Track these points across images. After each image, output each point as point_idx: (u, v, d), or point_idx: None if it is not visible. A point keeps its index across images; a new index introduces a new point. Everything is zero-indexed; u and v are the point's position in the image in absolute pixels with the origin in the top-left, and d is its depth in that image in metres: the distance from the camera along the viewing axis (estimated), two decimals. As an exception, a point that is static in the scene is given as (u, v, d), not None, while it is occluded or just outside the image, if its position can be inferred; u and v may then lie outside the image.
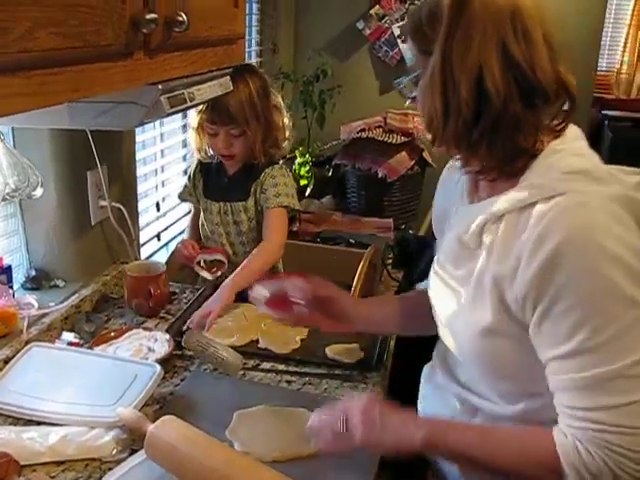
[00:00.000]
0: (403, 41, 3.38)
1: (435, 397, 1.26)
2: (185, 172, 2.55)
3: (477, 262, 1.06)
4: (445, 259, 1.18)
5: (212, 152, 1.94)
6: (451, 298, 1.14)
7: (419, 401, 1.32)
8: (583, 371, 0.93)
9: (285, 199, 1.87)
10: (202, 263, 1.89)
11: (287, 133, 1.95)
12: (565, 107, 1.07)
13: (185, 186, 2.03)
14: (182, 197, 2.06)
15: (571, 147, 1.04)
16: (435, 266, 1.22)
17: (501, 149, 1.01)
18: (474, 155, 1.06)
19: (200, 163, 1.99)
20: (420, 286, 1.45)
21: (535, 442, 1.01)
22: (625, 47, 6.05)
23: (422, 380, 1.33)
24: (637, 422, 0.91)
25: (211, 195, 1.95)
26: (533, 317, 0.97)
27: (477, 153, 1.04)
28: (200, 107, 1.80)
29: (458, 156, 1.09)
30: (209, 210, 1.95)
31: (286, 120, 1.94)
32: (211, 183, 1.97)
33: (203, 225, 2.00)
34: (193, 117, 1.89)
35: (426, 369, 1.33)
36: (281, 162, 1.96)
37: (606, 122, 5.43)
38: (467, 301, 1.08)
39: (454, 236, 1.13)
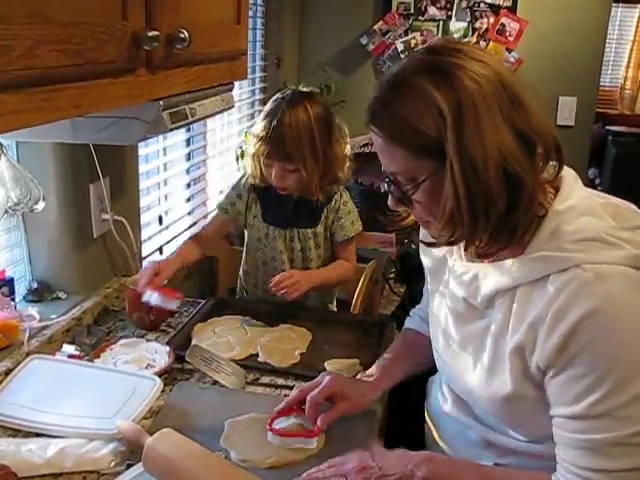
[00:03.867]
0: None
1: (450, 426, 1.26)
2: (188, 185, 2.57)
3: (488, 323, 1.07)
4: (450, 315, 1.18)
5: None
6: (460, 354, 1.15)
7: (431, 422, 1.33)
8: (588, 434, 0.93)
9: (359, 225, 1.92)
10: (147, 300, 1.60)
11: (347, 163, 1.84)
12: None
13: (233, 204, 1.89)
14: (224, 209, 1.91)
15: (574, 205, 1.00)
16: (439, 317, 1.22)
17: (519, 226, 0.98)
18: (491, 243, 1.01)
19: (254, 185, 1.87)
20: (415, 317, 1.48)
21: None
22: (629, 63, 6.08)
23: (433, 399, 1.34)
24: None
25: (274, 221, 1.87)
26: (548, 374, 0.98)
27: (494, 240, 1.00)
28: (260, 133, 1.72)
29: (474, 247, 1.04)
30: (271, 236, 1.87)
31: (348, 150, 1.84)
32: (272, 208, 1.86)
33: (256, 250, 1.91)
34: (251, 143, 1.78)
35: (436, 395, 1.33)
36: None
37: (610, 137, 5.44)
38: (485, 369, 1.08)
39: (460, 297, 1.12)
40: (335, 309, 2.07)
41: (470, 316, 1.12)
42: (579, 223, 0.98)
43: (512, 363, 1.02)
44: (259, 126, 1.74)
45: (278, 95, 1.78)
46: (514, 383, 1.02)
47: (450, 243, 1.02)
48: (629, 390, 0.91)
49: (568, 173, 1.06)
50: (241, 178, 1.91)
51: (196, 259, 1.89)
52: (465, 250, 1.09)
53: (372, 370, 1.39)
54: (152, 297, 1.58)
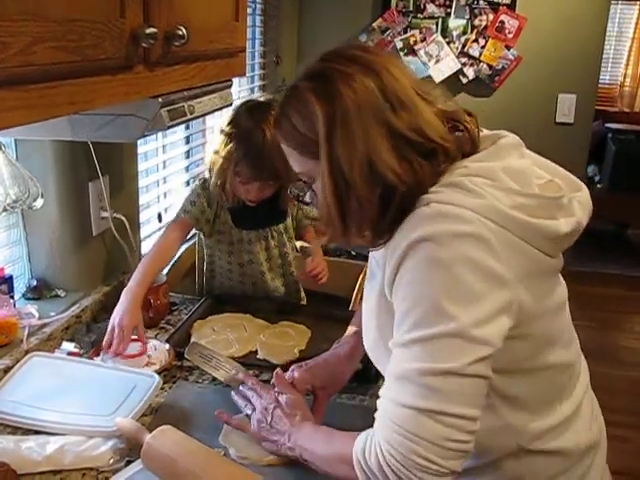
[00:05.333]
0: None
1: None
2: (187, 183, 2.57)
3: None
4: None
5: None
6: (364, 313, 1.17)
7: None
8: (394, 362, 0.95)
9: None
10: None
11: None
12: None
13: (202, 212, 1.82)
14: (195, 217, 1.82)
15: (467, 166, 0.99)
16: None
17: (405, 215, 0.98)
18: (379, 235, 1.01)
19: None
20: None
21: (345, 441, 1.05)
22: (628, 60, 6.09)
23: None
24: (417, 428, 0.90)
25: (248, 225, 1.86)
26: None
27: (382, 232, 1.00)
28: (240, 157, 1.68)
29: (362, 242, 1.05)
30: (245, 240, 1.87)
31: None
32: (242, 214, 1.84)
33: (228, 254, 1.90)
34: (225, 166, 1.72)
35: None
36: None
37: (609, 135, 5.45)
38: (368, 315, 1.12)
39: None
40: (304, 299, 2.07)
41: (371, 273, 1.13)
42: (455, 174, 0.97)
43: (379, 302, 1.04)
44: (233, 149, 1.69)
45: (240, 112, 1.73)
46: (378, 319, 1.05)
47: (330, 241, 1.07)
48: (432, 327, 0.90)
49: (502, 143, 1.03)
50: (203, 185, 1.84)
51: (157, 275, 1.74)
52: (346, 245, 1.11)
53: (349, 331, 1.38)
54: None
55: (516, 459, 1.05)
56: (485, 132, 1.07)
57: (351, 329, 1.38)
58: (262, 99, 1.87)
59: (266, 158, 1.64)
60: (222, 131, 1.75)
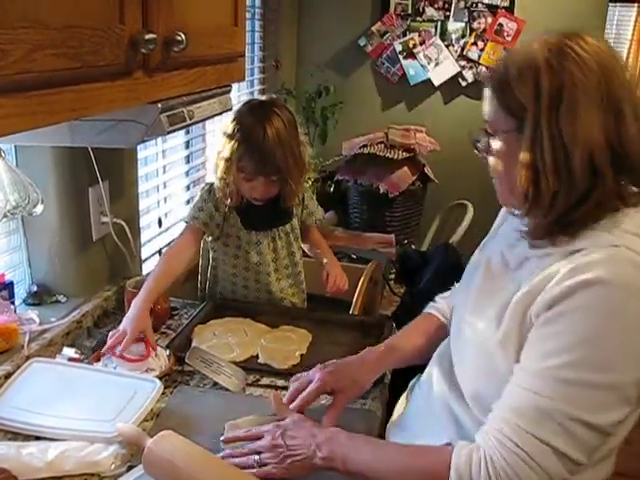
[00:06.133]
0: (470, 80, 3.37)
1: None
2: (187, 188, 2.57)
3: (513, 285, 1.06)
4: (483, 272, 1.20)
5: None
6: (475, 302, 1.17)
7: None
8: (534, 391, 0.95)
9: (321, 209, 2.02)
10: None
11: (308, 165, 1.89)
12: None
13: (211, 217, 1.82)
14: (204, 223, 1.82)
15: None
16: None
17: (586, 221, 0.99)
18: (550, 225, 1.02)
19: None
20: (439, 301, 1.48)
21: (426, 456, 1.04)
22: (627, 62, 6.08)
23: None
24: (544, 462, 0.93)
25: (257, 226, 1.86)
26: (535, 324, 0.98)
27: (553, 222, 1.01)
28: (242, 153, 1.70)
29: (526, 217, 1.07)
30: (254, 241, 1.87)
31: (310, 152, 1.89)
32: (250, 215, 1.85)
33: (235, 258, 1.89)
34: (227, 165, 1.74)
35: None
36: None
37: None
38: (490, 317, 1.09)
39: (499, 251, 1.16)
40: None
41: (499, 272, 1.13)
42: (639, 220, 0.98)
43: (514, 310, 1.02)
44: (235, 147, 1.71)
45: (242, 111, 1.75)
46: (507, 327, 1.03)
47: (524, 214, 1.05)
48: (595, 373, 0.91)
49: None
50: (209, 190, 1.85)
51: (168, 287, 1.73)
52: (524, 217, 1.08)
53: (379, 346, 1.40)
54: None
55: None
56: None
57: (387, 342, 1.41)
58: (264, 98, 1.89)
59: (267, 153, 1.67)
60: (224, 133, 1.76)
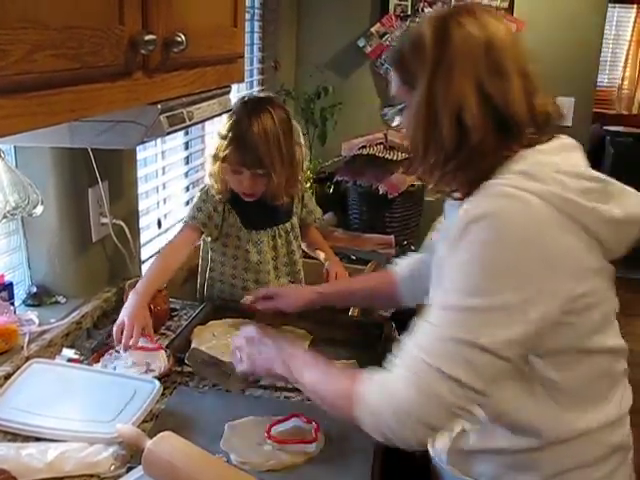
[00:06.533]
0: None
1: None
2: (187, 189, 2.57)
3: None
4: None
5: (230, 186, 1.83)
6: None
7: None
8: (428, 319, 1.02)
9: (319, 208, 2.07)
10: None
11: (304, 166, 1.92)
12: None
13: (210, 217, 1.84)
14: (203, 223, 1.84)
15: (538, 156, 1.06)
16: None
17: (469, 176, 1.07)
18: (444, 181, 1.13)
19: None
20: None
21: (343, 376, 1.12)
22: (626, 63, 6.10)
23: None
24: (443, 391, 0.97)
25: (256, 225, 1.88)
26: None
27: (447, 180, 1.12)
28: (228, 143, 1.74)
29: (430, 182, 1.16)
30: (255, 240, 1.88)
31: (305, 154, 1.92)
32: (250, 214, 1.87)
33: (234, 258, 1.91)
34: (217, 158, 1.79)
35: None
36: None
37: (607, 138, 5.46)
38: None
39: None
40: None
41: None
42: (525, 163, 1.04)
43: (439, 266, 1.09)
44: (225, 139, 1.76)
45: (238, 104, 1.78)
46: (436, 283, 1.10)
47: (411, 171, 1.18)
48: (480, 297, 0.97)
49: (563, 142, 1.11)
50: (208, 190, 1.86)
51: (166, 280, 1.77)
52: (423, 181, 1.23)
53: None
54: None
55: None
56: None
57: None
58: (263, 95, 1.93)
59: (250, 145, 1.71)
60: (219, 133, 1.80)
